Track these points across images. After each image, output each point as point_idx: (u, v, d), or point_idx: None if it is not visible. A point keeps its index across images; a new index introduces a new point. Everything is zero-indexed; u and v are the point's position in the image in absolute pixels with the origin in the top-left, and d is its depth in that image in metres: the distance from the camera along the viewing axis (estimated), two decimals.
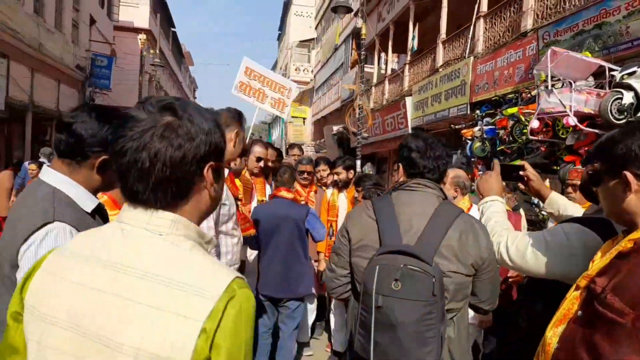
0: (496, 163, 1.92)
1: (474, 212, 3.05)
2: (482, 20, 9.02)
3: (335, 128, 17.86)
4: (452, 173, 4.48)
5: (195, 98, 58.02)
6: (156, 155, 0.79)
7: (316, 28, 29.45)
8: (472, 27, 9.23)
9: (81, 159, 1.38)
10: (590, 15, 5.62)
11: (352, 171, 4.67)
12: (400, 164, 1.77)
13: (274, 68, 53.63)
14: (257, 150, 3.79)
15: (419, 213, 1.61)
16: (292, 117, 30.35)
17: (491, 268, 1.63)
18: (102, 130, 1.38)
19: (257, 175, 3.90)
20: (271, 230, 3.25)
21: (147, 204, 0.82)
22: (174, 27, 38.04)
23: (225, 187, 2.30)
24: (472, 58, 8.90)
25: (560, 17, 6.34)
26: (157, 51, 27.55)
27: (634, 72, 4.47)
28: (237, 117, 2.47)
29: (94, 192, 1.45)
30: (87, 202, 1.39)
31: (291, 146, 6.06)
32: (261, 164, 3.79)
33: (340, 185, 4.35)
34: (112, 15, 23.36)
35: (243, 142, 2.55)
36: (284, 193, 3.36)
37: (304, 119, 29.36)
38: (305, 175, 4.34)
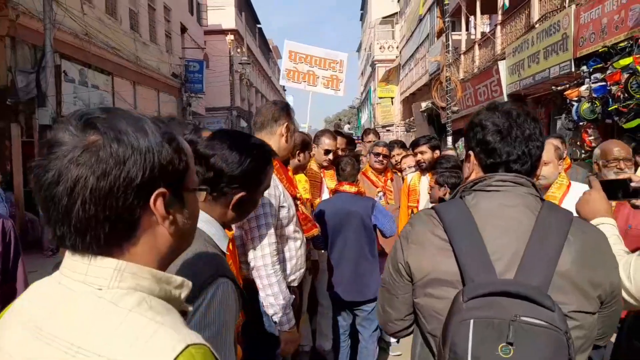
0: (594, 180, 1.46)
1: (575, 192, 2.52)
2: None
3: (423, 105, 17.07)
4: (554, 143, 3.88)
5: (285, 91, 59.67)
6: (74, 189, 0.62)
7: (399, 1, 28.32)
8: None
9: (218, 194, 1.28)
10: None
11: (437, 151, 4.27)
12: (470, 152, 1.24)
13: (358, 50, 52.98)
14: (325, 142, 3.60)
15: (513, 227, 1.10)
16: (379, 97, 29.75)
17: (619, 297, 1.15)
18: (243, 163, 1.29)
19: (327, 168, 3.72)
20: (335, 228, 3.04)
21: (82, 250, 0.65)
22: (259, 23, 39.27)
23: (281, 187, 2.17)
24: (573, 6, 7.77)
25: None
26: (245, 49, 28.63)
27: None
28: (285, 109, 2.31)
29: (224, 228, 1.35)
30: (223, 241, 1.27)
31: (366, 132, 5.69)
32: (330, 156, 3.60)
33: (425, 167, 3.89)
34: (201, 20, 24.71)
35: (294, 135, 2.39)
36: (346, 187, 3.12)
37: (392, 98, 28.57)
38: (381, 158, 4.03)
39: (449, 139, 12.40)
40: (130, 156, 0.64)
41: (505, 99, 10.62)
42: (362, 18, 43.88)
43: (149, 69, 14.70)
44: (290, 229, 2.22)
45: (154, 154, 0.66)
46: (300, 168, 3.36)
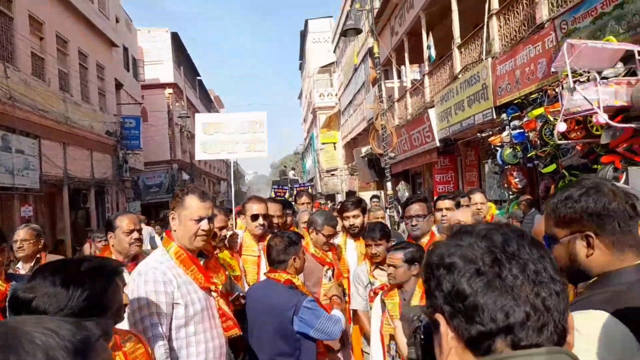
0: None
1: None
2: (494, 18, 8.53)
3: (363, 150, 17.55)
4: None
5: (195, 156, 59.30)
6: None
7: (334, 51, 29.56)
8: (485, 27, 8.75)
9: None
10: None
11: (366, 215, 4.15)
12: (438, 317, 0.72)
13: (299, 97, 54.32)
14: (251, 207, 3.27)
15: None
16: (322, 143, 30.31)
17: None
18: (72, 297, 1.15)
19: (261, 239, 3.34)
20: (251, 324, 2.48)
21: None
22: (199, 75, 39.42)
23: (176, 283, 1.95)
24: (490, 59, 8.39)
25: (577, 3, 5.81)
26: (184, 102, 28.45)
27: None
28: (175, 198, 2.15)
29: None
30: None
31: (298, 194, 5.45)
32: (260, 221, 3.27)
33: (354, 233, 3.63)
34: (138, 75, 24.40)
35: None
36: (275, 275, 2.50)
37: (334, 143, 29.21)
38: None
39: (389, 184, 12.71)
40: None
41: (437, 144, 11.13)
42: (302, 67, 45.30)
43: (81, 129, 14.15)
44: (190, 330, 1.95)
45: None
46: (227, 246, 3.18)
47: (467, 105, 9.20)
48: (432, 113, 11.15)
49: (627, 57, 4.77)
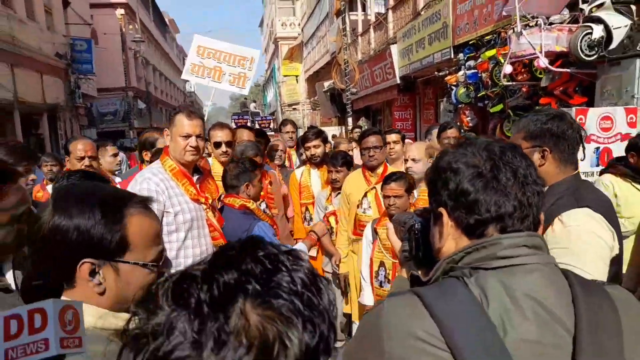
0: None
1: None
2: None
3: (326, 84, 17.57)
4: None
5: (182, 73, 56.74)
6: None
7: None
8: None
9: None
10: None
11: (328, 144, 4.31)
12: (441, 210, 0.90)
13: (260, 25, 52.10)
14: (214, 134, 3.18)
15: (546, 334, 0.77)
16: (284, 75, 29.82)
17: None
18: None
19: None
20: None
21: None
22: None
23: (168, 193, 2.20)
24: None
25: None
26: (138, 25, 26.86)
27: (602, 3, 4.29)
28: (171, 118, 2.37)
29: None
30: None
31: (283, 123, 5.42)
32: (223, 148, 3.14)
33: (316, 162, 3.83)
34: None
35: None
36: (230, 200, 2.59)
37: (297, 76, 28.82)
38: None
39: (350, 119, 13.03)
40: (66, 231, 0.88)
41: (398, 81, 11.41)
42: None
43: (29, 50, 13.34)
44: (180, 235, 2.20)
45: (83, 232, 0.89)
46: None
47: (428, 43, 9.43)
48: (394, 49, 11.31)
49: (573, 4, 5.12)
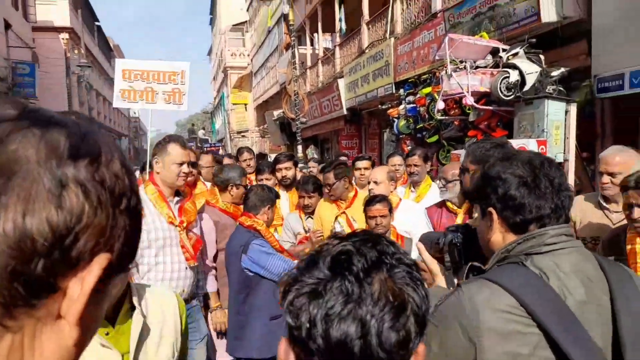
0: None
1: (407, 205, 3.24)
2: (398, 2, 9.48)
3: (275, 113, 18.07)
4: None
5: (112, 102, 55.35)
6: None
7: (247, 10, 29.09)
8: (390, 9, 9.69)
9: None
10: None
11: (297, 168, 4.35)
12: (491, 210, 1.13)
13: (209, 54, 52.39)
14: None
15: (594, 295, 1.02)
16: (233, 104, 30.17)
17: None
18: None
19: (190, 187, 3.18)
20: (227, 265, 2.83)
21: None
22: (97, 20, 36.29)
23: (149, 211, 2.44)
24: (392, 39, 9.38)
25: (461, 0, 6.89)
26: (83, 50, 26.34)
27: (517, 52, 5.07)
28: (158, 146, 2.59)
29: None
30: None
31: (239, 151, 5.41)
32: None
33: (286, 184, 3.90)
34: (28, 16, 22.06)
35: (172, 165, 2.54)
36: (242, 218, 2.81)
37: (246, 104, 29.23)
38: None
39: (300, 147, 13.54)
40: None
41: (345, 112, 12.11)
42: (212, 22, 43.62)
43: None
44: (152, 252, 2.45)
45: None
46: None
47: (372, 79, 10.20)
48: (341, 83, 12.03)
49: (496, 51, 5.93)
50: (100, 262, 0.38)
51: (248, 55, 30.04)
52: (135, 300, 1.31)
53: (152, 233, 2.46)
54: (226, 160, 5.29)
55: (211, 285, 3.05)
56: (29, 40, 20.97)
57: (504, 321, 0.96)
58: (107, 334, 1.26)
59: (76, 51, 25.19)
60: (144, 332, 1.30)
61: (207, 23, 46.88)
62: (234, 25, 31.56)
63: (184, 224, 2.59)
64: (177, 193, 2.65)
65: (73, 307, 0.37)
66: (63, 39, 24.86)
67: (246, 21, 30.01)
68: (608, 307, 1.01)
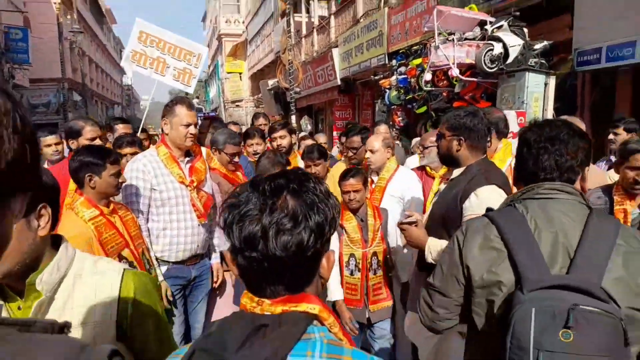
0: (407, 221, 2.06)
1: (403, 171, 3.26)
2: None
3: (270, 82, 18.08)
4: (382, 131, 4.84)
5: (122, 59, 54.71)
6: None
7: None
8: None
9: None
10: None
11: (294, 135, 4.45)
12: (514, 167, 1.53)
13: (203, 20, 51.38)
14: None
15: (564, 231, 1.27)
16: (228, 72, 29.90)
17: None
18: None
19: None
20: None
21: None
22: None
23: (153, 173, 2.60)
24: (386, 9, 9.45)
25: None
26: (75, 15, 25.90)
27: (501, 25, 5.26)
28: (166, 107, 2.67)
29: None
30: None
31: (255, 116, 5.34)
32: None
33: (286, 151, 3.85)
34: None
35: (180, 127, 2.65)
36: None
37: (240, 73, 29.02)
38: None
39: (293, 117, 13.69)
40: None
41: (339, 82, 12.23)
42: None
43: None
44: (165, 209, 2.64)
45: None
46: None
47: (366, 49, 10.31)
48: (335, 53, 12.11)
49: (483, 23, 6.10)
50: None
51: (243, 22, 29.61)
52: (47, 275, 1.12)
53: (164, 192, 2.64)
54: (231, 127, 5.35)
55: (225, 243, 3.15)
56: (20, 4, 20.61)
57: (488, 246, 1.34)
58: (20, 308, 1.10)
59: (68, 16, 24.77)
60: (42, 311, 1.13)
61: None
62: None
63: (194, 184, 2.72)
64: (187, 153, 2.77)
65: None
66: (55, 3, 24.37)
67: None
68: (570, 244, 1.25)
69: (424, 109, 7.16)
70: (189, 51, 4.71)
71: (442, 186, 2.44)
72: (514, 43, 5.23)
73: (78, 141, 3.17)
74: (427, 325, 1.52)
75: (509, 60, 5.26)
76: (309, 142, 4.46)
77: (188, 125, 2.63)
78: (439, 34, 5.59)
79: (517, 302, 1.16)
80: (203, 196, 2.78)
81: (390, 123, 8.97)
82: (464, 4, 6.64)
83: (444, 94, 6.79)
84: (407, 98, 7.53)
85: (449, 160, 2.17)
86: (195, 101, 30.01)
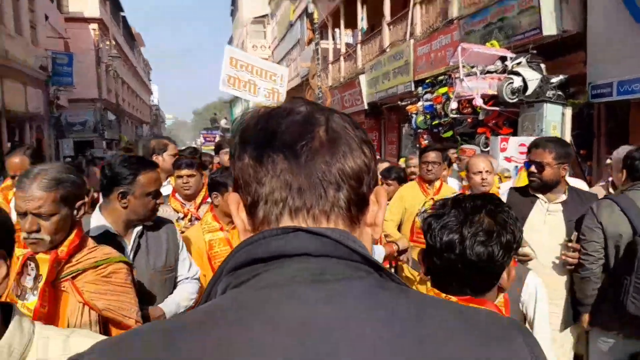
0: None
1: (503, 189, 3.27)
2: (418, 6, 10.24)
3: None
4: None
5: (150, 80, 57.12)
6: None
7: (269, 4, 29.83)
8: (410, 13, 10.45)
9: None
10: (494, 10, 6.98)
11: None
12: (624, 170, 2.37)
13: (230, 43, 53.29)
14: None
15: None
16: None
17: None
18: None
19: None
20: None
21: None
22: (122, 11, 37.38)
23: None
24: (412, 41, 10.16)
25: (475, 10, 7.66)
26: (111, 40, 27.44)
27: (520, 62, 5.86)
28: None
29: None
30: None
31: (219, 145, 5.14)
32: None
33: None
34: (62, 7, 23.18)
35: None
36: None
37: None
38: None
39: None
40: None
41: (366, 107, 12.92)
42: (233, 14, 44.41)
43: (17, 62, 13.98)
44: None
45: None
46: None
47: (392, 76, 11.00)
48: (362, 79, 12.83)
49: (504, 58, 6.71)
50: None
51: (269, 47, 30.83)
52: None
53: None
54: None
55: None
56: (62, 31, 22.07)
57: (618, 220, 2.20)
58: None
59: (107, 42, 26.26)
60: None
61: (228, 14, 47.67)
62: (255, 17, 32.39)
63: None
64: None
65: None
66: (93, 29, 25.95)
67: (267, 14, 30.78)
68: None
69: (450, 133, 7.74)
70: (273, 72, 5.25)
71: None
72: (532, 77, 5.82)
73: (163, 157, 3.29)
74: (589, 273, 2.30)
75: (529, 92, 5.84)
76: None
77: None
78: (464, 66, 6.21)
79: (636, 244, 2.05)
80: None
81: (417, 145, 9.58)
82: (485, 40, 7.27)
83: (469, 120, 7.38)
84: (433, 123, 8.13)
85: (553, 185, 2.47)
86: (223, 121, 31.14)
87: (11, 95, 13.68)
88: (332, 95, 14.98)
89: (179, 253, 2.01)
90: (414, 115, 9.42)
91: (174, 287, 2.01)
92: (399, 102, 10.45)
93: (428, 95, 8.97)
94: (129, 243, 1.84)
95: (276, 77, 5.18)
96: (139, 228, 1.87)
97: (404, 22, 11.00)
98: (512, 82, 5.75)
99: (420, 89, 9.41)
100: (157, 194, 1.86)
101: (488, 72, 6.58)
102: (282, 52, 25.92)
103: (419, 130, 9.40)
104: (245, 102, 34.57)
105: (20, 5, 15.00)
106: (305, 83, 19.83)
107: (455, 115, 6.94)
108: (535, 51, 6.02)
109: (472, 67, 6.53)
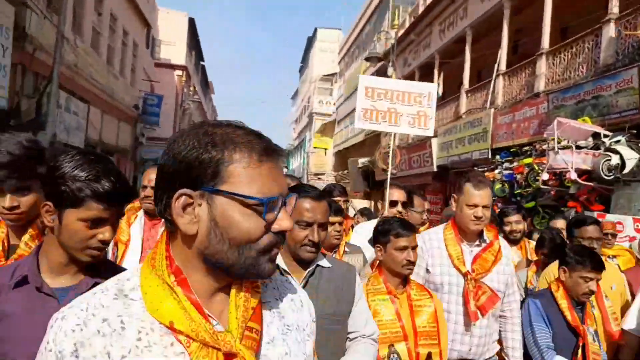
0: None
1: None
2: (501, 77, 10.57)
3: (360, 161, 19.36)
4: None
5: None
6: None
7: (339, 63, 31.44)
8: (492, 83, 10.78)
9: None
10: (589, 88, 7.13)
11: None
12: None
13: (293, 97, 55.99)
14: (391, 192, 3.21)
15: None
16: (315, 147, 32.06)
17: None
18: None
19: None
20: None
21: None
22: (203, 60, 40.57)
23: (439, 253, 2.37)
24: (492, 109, 10.41)
25: (566, 86, 7.85)
26: (192, 86, 29.71)
27: (619, 140, 5.93)
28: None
29: None
30: None
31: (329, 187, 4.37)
32: (399, 207, 3.21)
33: (516, 239, 3.81)
34: (154, 54, 25.56)
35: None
36: None
37: (326, 149, 31.00)
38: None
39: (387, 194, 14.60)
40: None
41: (435, 169, 13.09)
42: (302, 70, 46.99)
43: (119, 101, 15.49)
44: (437, 296, 2.33)
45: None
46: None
47: (467, 142, 11.20)
48: (434, 142, 13.11)
49: (597, 135, 6.79)
50: None
51: (334, 104, 32.16)
52: None
53: (437, 276, 2.38)
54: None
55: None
56: (152, 74, 24.23)
57: None
58: None
59: (191, 87, 28.39)
60: None
61: (297, 70, 50.40)
62: (324, 75, 34.13)
63: (474, 273, 2.33)
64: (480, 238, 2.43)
65: None
66: (178, 75, 28.29)
67: (336, 73, 32.37)
68: None
69: (532, 204, 7.74)
70: (418, 93, 4.50)
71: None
72: (631, 156, 5.85)
73: None
74: None
75: (626, 170, 5.85)
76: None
77: (474, 207, 2.29)
78: (558, 139, 6.35)
79: None
80: (485, 291, 2.31)
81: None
82: (576, 116, 7.40)
83: (552, 192, 7.38)
84: (515, 192, 8.17)
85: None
86: (284, 170, 32.15)
87: (108, 130, 15.07)
88: (400, 154, 15.32)
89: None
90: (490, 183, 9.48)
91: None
92: (475, 168, 10.57)
93: (507, 164, 9.07)
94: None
95: (422, 97, 4.43)
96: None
97: (483, 90, 11.32)
98: (610, 160, 5.80)
99: (498, 157, 9.54)
100: None
101: (578, 147, 6.66)
102: (347, 109, 26.90)
103: (494, 198, 9.42)
104: (304, 154, 35.72)
105: (126, 50, 16.80)
106: (368, 140, 20.37)
107: (543, 187, 6.98)
108: (635, 131, 6.08)
109: (561, 141, 6.64)
